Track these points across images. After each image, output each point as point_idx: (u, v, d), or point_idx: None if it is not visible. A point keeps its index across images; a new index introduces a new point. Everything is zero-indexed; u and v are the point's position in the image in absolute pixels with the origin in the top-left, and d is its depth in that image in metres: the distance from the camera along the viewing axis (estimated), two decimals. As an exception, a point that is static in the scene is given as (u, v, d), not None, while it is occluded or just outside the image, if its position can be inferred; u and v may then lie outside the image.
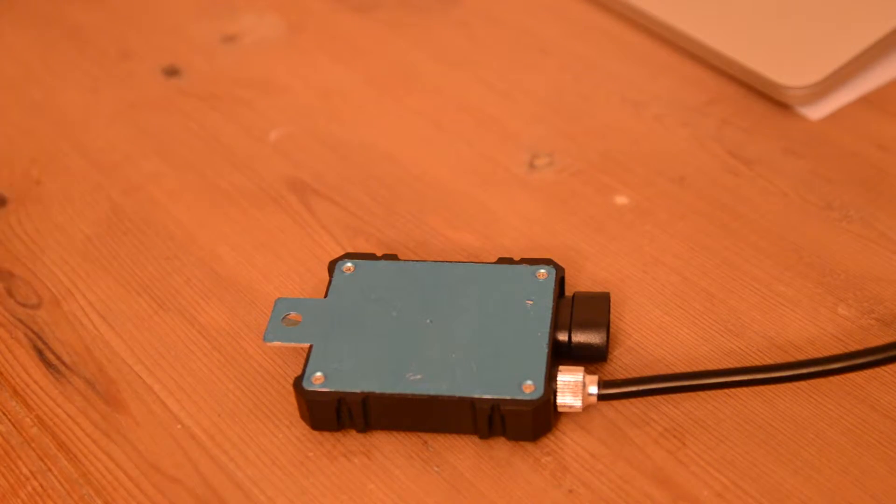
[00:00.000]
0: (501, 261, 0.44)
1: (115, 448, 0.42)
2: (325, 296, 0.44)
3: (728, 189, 0.51)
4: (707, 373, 0.41)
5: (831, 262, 0.47)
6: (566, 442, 0.41)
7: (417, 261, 0.45)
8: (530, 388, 0.39)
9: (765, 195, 0.50)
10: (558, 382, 0.40)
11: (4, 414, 0.43)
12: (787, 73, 0.54)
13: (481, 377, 0.40)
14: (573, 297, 0.43)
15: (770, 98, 0.55)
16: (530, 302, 0.42)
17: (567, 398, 0.40)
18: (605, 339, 0.42)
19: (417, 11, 0.63)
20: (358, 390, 0.40)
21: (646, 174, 0.52)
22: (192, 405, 0.43)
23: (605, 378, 0.41)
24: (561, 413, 0.41)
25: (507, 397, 0.39)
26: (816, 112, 0.54)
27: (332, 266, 0.45)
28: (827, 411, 0.41)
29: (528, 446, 0.41)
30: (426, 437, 0.41)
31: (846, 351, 0.41)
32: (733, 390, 0.42)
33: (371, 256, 0.45)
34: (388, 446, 0.41)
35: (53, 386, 0.44)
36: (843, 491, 0.39)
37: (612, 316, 0.45)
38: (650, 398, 0.42)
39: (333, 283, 0.44)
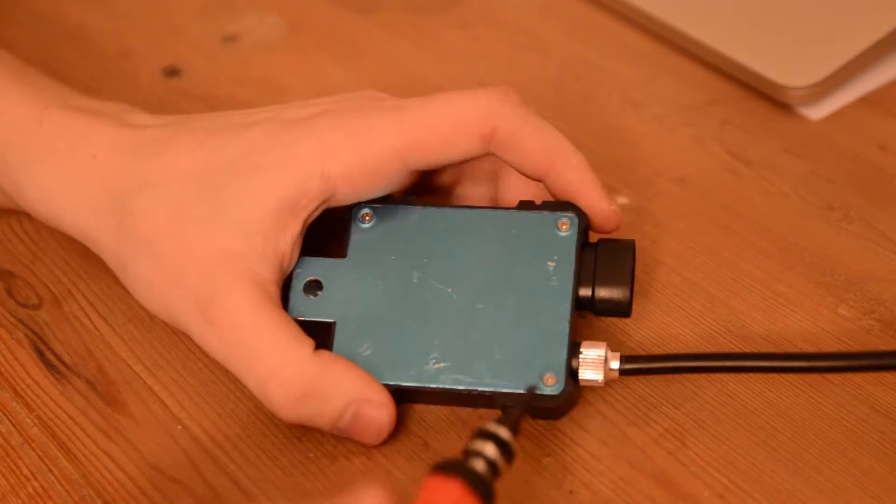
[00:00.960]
0: (522, 205, 0.43)
1: (116, 448, 0.42)
2: (346, 253, 0.43)
3: (728, 189, 0.51)
4: (729, 355, 0.42)
5: (832, 263, 0.47)
6: (566, 443, 0.41)
7: (435, 206, 0.43)
8: (552, 381, 0.39)
9: (765, 195, 0.50)
10: (581, 358, 0.40)
11: (5, 414, 0.43)
12: (788, 73, 0.54)
13: (503, 368, 0.40)
14: (597, 248, 0.42)
15: (770, 98, 0.55)
16: (552, 264, 0.41)
17: (589, 373, 0.40)
18: (628, 295, 0.41)
19: (418, 12, 0.62)
20: (384, 382, 0.40)
21: (646, 174, 0.52)
22: (192, 405, 0.43)
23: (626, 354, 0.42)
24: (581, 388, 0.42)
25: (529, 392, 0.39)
26: (817, 112, 0.54)
27: (350, 212, 0.43)
28: (827, 412, 0.41)
29: (529, 447, 0.41)
30: (426, 437, 0.41)
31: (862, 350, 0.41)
32: (734, 391, 0.42)
33: (389, 199, 0.43)
34: (388, 447, 0.41)
35: (54, 386, 0.44)
36: (843, 491, 0.39)
37: (613, 317, 0.44)
38: (651, 399, 0.42)
39: (353, 237, 0.43)
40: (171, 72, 0.59)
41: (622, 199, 0.50)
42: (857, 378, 0.42)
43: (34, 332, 0.46)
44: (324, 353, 0.40)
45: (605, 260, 0.42)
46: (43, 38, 0.62)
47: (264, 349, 0.39)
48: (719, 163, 0.52)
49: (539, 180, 0.42)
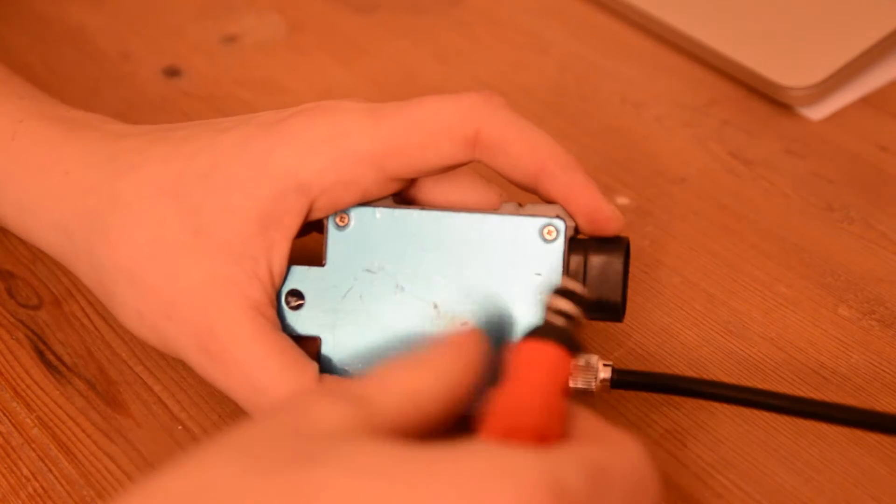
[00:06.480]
0: (505, 207, 0.41)
1: (116, 449, 0.42)
2: (324, 260, 0.41)
3: (729, 190, 0.51)
4: (721, 384, 0.40)
5: (832, 263, 0.47)
6: (567, 443, 0.41)
7: (414, 209, 0.41)
8: None
9: (766, 196, 0.50)
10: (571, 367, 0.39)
11: (5, 415, 0.43)
12: (788, 74, 0.54)
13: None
14: (587, 247, 0.40)
15: (771, 99, 0.55)
16: (538, 276, 0.39)
17: (579, 383, 0.39)
18: (619, 299, 0.39)
19: (418, 12, 0.63)
20: None
21: (646, 175, 0.52)
22: (192, 406, 0.43)
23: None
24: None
25: None
26: (817, 113, 0.54)
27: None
28: (828, 412, 0.41)
29: (529, 447, 0.41)
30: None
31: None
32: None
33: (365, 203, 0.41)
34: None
35: (54, 387, 0.44)
36: (843, 492, 0.39)
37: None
38: (651, 399, 0.42)
39: (330, 243, 0.41)
40: (171, 72, 0.59)
41: (622, 200, 0.50)
42: (858, 379, 0.42)
43: (34, 333, 0.46)
44: (327, 379, 0.39)
45: (595, 260, 0.40)
46: (43, 38, 0.62)
47: (269, 383, 0.38)
48: (720, 163, 0.52)
49: (531, 189, 0.40)
